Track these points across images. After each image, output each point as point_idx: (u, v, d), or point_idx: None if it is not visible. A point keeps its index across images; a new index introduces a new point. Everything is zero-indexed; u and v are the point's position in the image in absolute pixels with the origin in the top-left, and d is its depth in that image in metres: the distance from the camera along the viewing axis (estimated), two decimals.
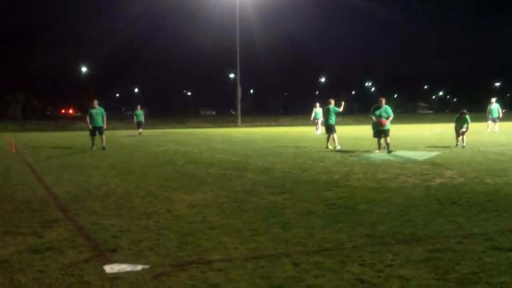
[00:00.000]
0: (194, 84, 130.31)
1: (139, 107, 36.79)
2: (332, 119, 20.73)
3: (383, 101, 18.84)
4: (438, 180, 11.56)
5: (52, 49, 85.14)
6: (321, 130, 21.10)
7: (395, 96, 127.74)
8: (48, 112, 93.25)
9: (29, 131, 46.25)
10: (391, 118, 18.60)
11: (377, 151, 18.42)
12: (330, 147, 20.64)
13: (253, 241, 6.49)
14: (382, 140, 18.50)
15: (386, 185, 10.94)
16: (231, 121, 61.47)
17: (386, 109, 18.65)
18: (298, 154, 18.35)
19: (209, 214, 8.21)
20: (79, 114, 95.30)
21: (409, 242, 6.38)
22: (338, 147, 20.28)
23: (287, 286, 4.89)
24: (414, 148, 20.41)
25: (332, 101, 21.05)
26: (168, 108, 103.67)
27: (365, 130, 17.22)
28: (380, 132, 18.51)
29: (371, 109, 18.96)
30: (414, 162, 15.38)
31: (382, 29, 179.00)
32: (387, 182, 11.43)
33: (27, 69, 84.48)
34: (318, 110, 32.27)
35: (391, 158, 16.46)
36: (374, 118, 18.57)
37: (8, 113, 79.85)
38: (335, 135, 20.76)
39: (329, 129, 20.86)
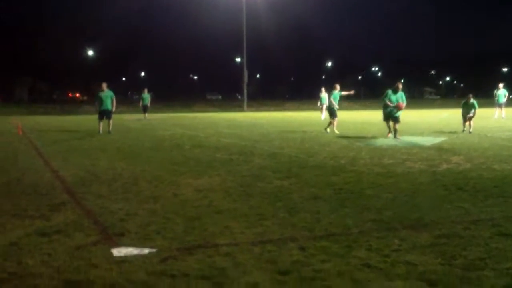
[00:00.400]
0: (200, 68, 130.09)
1: (146, 90, 36.57)
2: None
3: (400, 86, 18.26)
4: (444, 166, 11.54)
5: (60, 35, 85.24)
6: (325, 115, 21.18)
7: (402, 81, 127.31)
8: (54, 96, 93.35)
9: (36, 115, 46.34)
10: (403, 105, 18.12)
11: (389, 134, 18.26)
12: (336, 131, 20.64)
13: (260, 226, 6.51)
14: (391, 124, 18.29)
15: (392, 170, 10.93)
16: (237, 106, 61.45)
17: (402, 95, 18.24)
18: (305, 139, 18.33)
19: (215, 198, 8.23)
20: (85, 98, 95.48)
21: (416, 228, 6.38)
22: (328, 131, 20.82)
23: (294, 271, 4.90)
24: (421, 134, 20.39)
25: (337, 86, 21.14)
26: (174, 92, 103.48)
27: (371, 115, 17.16)
28: (391, 117, 18.17)
29: (387, 93, 18.26)
30: (420, 147, 15.36)
31: (389, 13, 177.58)
32: (393, 167, 11.42)
33: (34, 53, 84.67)
34: (323, 95, 32.16)
35: (398, 143, 16.42)
36: (389, 103, 17.99)
37: (15, 96, 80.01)
38: (335, 120, 21.01)
39: (331, 114, 21.15)
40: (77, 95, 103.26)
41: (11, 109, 51.61)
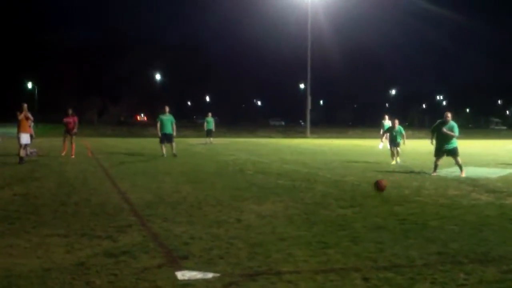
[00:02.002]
0: (264, 93, 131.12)
1: (210, 114, 36.86)
2: (399, 138, 20.57)
3: (449, 115, 15.89)
4: None
5: (129, 56, 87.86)
6: (383, 144, 20.94)
7: (467, 110, 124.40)
8: (122, 118, 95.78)
9: (104, 136, 47.62)
10: (454, 134, 15.75)
11: (434, 173, 15.96)
12: (394, 162, 20.31)
13: (323, 254, 6.49)
14: (440, 161, 16.23)
15: (458, 202, 10.70)
16: (300, 132, 61.50)
17: (452, 126, 15.88)
18: (368, 168, 18.15)
19: (278, 225, 8.25)
20: (144, 119, 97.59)
21: (483, 262, 6.23)
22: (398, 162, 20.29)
23: None
24: (487, 165, 19.86)
25: (397, 121, 21.24)
26: (237, 117, 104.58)
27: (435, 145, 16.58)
28: (443, 151, 16.02)
29: (435, 125, 16.42)
30: (486, 179, 14.97)
31: (458, 40, 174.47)
32: (459, 199, 11.18)
33: (104, 75, 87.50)
34: (387, 123, 31.76)
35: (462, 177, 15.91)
36: (432, 140, 16.51)
37: (85, 118, 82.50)
38: (399, 149, 20.70)
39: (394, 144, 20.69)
40: (140, 117, 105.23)
41: (81, 130, 53.08)
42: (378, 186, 11.90)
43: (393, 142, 20.60)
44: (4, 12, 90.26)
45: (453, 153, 15.89)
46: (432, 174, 16.00)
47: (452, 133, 15.77)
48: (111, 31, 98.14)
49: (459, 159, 15.90)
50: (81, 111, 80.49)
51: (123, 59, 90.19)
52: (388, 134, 21.48)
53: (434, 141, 16.39)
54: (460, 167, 15.83)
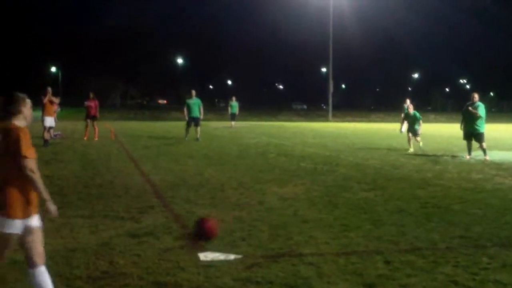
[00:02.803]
0: (286, 77, 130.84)
1: (234, 98, 36.58)
2: (416, 124, 19.00)
3: (476, 96, 15.85)
4: None
5: (150, 40, 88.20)
6: (404, 127, 19.58)
7: (491, 94, 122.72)
8: (145, 102, 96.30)
9: (127, 120, 47.88)
10: (478, 114, 15.51)
11: (467, 156, 15.80)
12: (412, 149, 18.40)
13: (345, 237, 6.50)
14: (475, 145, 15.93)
15: (481, 186, 10.61)
16: (322, 116, 61.18)
17: (478, 105, 15.69)
18: (390, 151, 18.05)
19: (300, 207, 8.27)
20: (165, 101, 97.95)
21: (506, 246, 6.19)
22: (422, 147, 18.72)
23: (380, 284, 4.87)
24: (511, 149, 19.63)
25: (411, 106, 19.39)
26: (260, 101, 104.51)
27: (458, 129, 16.37)
28: (471, 135, 15.85)
29: (464, 108, 16.09)
30: (510, 163, 14.80)
31: (482, 22, 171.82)
32: (482, 182, 11.09)
33: (127, 60, 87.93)
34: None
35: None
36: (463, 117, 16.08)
37: (108, 101, 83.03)
38: (418, 138, 18.94)
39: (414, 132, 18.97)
40: (164, 101, 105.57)
41: (104, 114, 53.39)
42: (203, 229, 6.32)
43: (410, 129, 18.92)
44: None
45: (479, 138, 15.65)
46: (466, 157, 15.80)
47: (475, 112, 15.51)
48: (133, 16, 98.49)
49: (484, 144, 15.67)
50: (105, 94, 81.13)
51: (145, 44, 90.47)
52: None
53: (463, 126, 16.13)
54: (484, 151, 15.63)
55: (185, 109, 22.56)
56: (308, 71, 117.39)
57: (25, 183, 4.10)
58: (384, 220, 7.45)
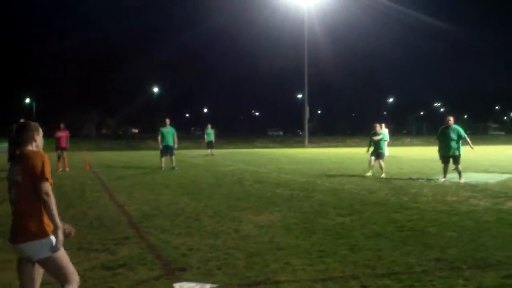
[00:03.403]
0: (262, 104, 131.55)
1: (209, 126, 36.56)
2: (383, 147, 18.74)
3: (451, 119, 15.99)
4: (510, 204, 11.21)
5: (126, 68, 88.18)
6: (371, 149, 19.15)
7: (465, 116, 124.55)
8: (120, 132, 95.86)
9: (102, 150, 47.59)
10: (467, 139, 16.00)
11: (442, 179, 15.86)
12: (369, 173, 18.01)
13: (321, 263, 6.47)
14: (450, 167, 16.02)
15: (456, 208, 10.68)
16: (298, 142, 61.45)
17: (455, 128, 15.85)
18: (366, 176, 18.12)
19: (276, 234, 8.23)
20: (136, 130, 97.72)
21: (481, 267, 6.21)
22: (384, 176, 17.59)
23: None
24: (485, 170, 19.85)
25: (378, 125, 19.25)
26: (236, 128, 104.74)
27: (433, 152, 16.54)
28: (448, 157, 15.90)
29: (439, 132, 16.27)
30: (485, 184, 14.95)
31: (456, 48, 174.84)
32: (457, 205, 11.17)
33: (102, 88, 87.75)
34: (383, 131, 31.41)
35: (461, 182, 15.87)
36: (439, 141, 16.21)
37: (83, 132, 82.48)
38: (382, 162, 18.29)
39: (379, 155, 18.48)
40: (136, 130, 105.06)
41: (80, 144, 53.07)
42: None
43: (375, 152, 18.46)
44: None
45: (456, 159, 15.82)
46: (441, 179, 15.92)
47: (467, 140, 16.01)
48: (107, 43, 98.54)
49: (460, 166, 15.89)
50: (80, 125, 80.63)
51: (119, 72, 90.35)
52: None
53: (440, 148, 16.26)
54: (460, 173, 15.81)
55: (158, 138, 22.41)
56: (284, 97, 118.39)
57: (37, 207, 4.16)
58: (360, 244, 7.45)
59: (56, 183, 16.21)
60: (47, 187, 4.14)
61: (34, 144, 4.29)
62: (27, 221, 4.14)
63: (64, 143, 21.81)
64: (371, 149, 18.70)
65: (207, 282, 5.70)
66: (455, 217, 9.66)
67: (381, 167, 18.06)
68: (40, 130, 4.39)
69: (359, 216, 9.88)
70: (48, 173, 4.15)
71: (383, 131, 31.07)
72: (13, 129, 4.38)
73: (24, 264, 4.25)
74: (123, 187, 15.40)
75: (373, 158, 18.41)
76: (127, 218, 9.96)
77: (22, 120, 19.02)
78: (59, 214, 4.21)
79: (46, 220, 4.17)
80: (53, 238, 4.14)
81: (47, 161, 4.18)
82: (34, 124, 4.38)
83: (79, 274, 6.00)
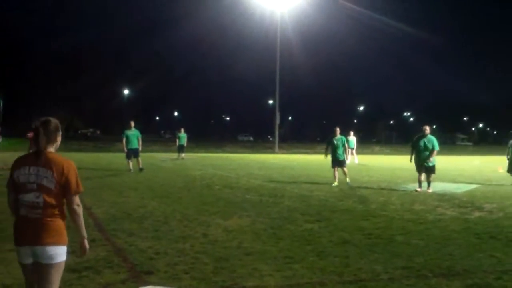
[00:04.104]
0: (232, 109, 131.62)
1: (182, 130, 36.01)
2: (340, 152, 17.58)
3: (428, 129, 15.86)
4: (477, 214, 11.40)
5: (96, 71, 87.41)
6: (350, 159, 18.56)
7: (434, 126, 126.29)
8: (88, 134, 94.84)
9: (71, 151, 47.02)
10: (435, 152, 15.71)
11: (419, 189, 15.71)
12: (336, 183, 17.43)
13: (289, 269, 6.49)
14: (423, 177, 15.86)
15: (423, 217, 10.82)
16: (268, 147, 61.49)
17: (430, 139, 15.75)
18: (333, 185, 18.17)
19: (245, 239, 8.24)
20: (98, 131, 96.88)
21: (447, 276, 6.30)
22: (349, 182, 17.41)
23: None
24: (453, 180, 20.12)
25: (338, 129, 18.06)
26: (206, 133, 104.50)
27: (403, 160, 16.72)
28: (423, 167, 15.71)
29: (414, 140, 16.08)
30: (452, 194, 15.17)
31: (427, 58, 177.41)
32: (424, 213, 11.31)
33: (71, 90, 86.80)
34: (351, 139, 31.68)
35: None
36: (414, 150, 15.93)
37: None
38: (345, 169, 17.76)
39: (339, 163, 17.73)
40: (97, 131, 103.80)
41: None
42: None
43: (336, 160, 17.62)
44: None
45: (430, 170, 15.76)
46: (417, 189, 15.79)
47: (432, 151, 15.62)
48: (78, 46, 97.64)
49: (432, 177, 15.92)
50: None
51: (89, 74, 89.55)
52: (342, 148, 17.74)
53: (413, 158, 16.08)
54: (429, 183, 15.82)
55: (123, 140, 22.20)
56: (255, 103, 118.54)
57: (63, 213, 4.17)
58: (328, 251, 7.49)
59: None
60: (78, 198, 4.20)
61: (55, 145, 4.16)
62: (55, 225, 4.10)
63: None
64: (329, 156, 17.84)
65: (174, 286, 5.68)
66: (422, 225, 9.78)
67: (344, 173, 17.64)
68: (60, 130, 4.23)
69: (327, 223, 9.94)
70: (80, 185, 4.20)
71: (351, 139, 31.47)
72: (36, 126, 4.13)
73: (29, 268, 4.13)
74: (91, 188, 15.20)
75: (335, 169, 17.66)
76: (94, 220, 9.85)
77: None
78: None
79: (62, 230, 4.19)
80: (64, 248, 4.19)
81: (76, 171, 4.20)
82: (56, 122, 4.18)
83: None
